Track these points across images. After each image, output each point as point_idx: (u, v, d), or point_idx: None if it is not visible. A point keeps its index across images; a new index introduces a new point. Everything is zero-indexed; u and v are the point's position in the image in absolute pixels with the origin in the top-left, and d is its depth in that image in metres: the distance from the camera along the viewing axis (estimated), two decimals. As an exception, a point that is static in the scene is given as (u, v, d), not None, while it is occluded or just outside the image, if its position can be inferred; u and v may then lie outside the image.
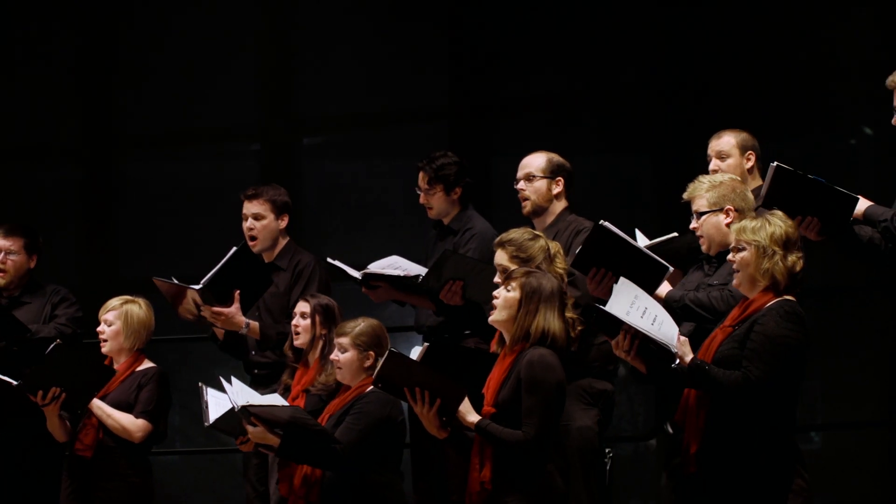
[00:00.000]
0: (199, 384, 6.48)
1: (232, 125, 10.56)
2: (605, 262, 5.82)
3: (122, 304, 6.92)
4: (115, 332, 6.89)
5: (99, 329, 6.90)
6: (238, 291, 6.88)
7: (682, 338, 5.31)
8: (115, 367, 6.88)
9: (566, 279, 5.96)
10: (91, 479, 6.74)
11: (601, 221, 5.85)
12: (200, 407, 6.44)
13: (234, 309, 6.91)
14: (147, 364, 6.93)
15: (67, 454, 6.81)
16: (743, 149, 6.58)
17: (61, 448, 6.85)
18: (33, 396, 6.60)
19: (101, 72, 10.62)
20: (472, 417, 5.40)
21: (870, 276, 8.14)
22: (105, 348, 6.90)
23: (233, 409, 6.17)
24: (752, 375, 5.18)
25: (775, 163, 5.69)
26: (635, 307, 5.31)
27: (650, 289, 5.74)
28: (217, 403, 6.39)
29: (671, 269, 5.78)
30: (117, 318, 6.89)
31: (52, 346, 6.58)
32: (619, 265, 5.77)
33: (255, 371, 7.12)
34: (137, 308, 6.92)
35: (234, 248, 6.89)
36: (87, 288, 7.56)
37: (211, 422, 6.37)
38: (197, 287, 6.85)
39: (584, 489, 6.32)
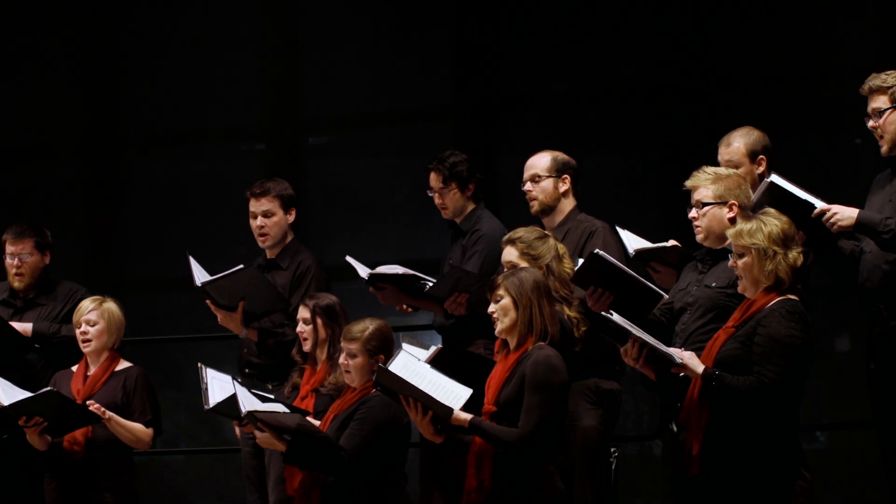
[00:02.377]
0: (199, 365, 6.45)
1: (237, 125, 10.56)
2: (602, 283, 5.89)
3: (99, 304, 6.93)
4: (99, 332, 6.90)
5: (82, 330, 6.90)
6: (243, 302, 6.89)
7: (687, 353, 5.34)
8: (93, 367, 6.90)
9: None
10: (82, 478, 6.75)
11: (596, 250, 5.93)
12: (200, 388, 6.42)
13: (233, 315, 6.91)
14: (124, 363, 6.94)
15: (52, 456, 6.81)
16: (753, 155, 6.31)
17: (39, 453, 6.85)
18: (16, 419, 6.63)
19: (106, 71, 10.63)
20: (465, 416, 5.44)
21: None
22: (89, 348, 6.90)
23: (234, 395, 6.17)
24: (767, 379, 5.18)
25: (769, 178, 5.69)
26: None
27: (644, 313, 5.80)
28: (218, 386, 6.37)
29: (665, 296, 5.84)
30: (100, 317, 6.90)
31: (45, 390, 6.62)
32: (616, 288, 5.86)
33: (246, 371, 7.12)
34: (114, 306, 6.95)
35: (241, 266, 6.87)
36: (93, 288, 7.54)
37: (211, 405, 6.36)
38: (197, 283, 6.86)
39: (589, 489, 6.33)
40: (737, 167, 6.26)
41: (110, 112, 10.67)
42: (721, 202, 5.83)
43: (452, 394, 5.52)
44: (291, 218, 7.21)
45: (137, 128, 10.64)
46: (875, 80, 5.87)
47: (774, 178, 5.68)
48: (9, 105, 10.54)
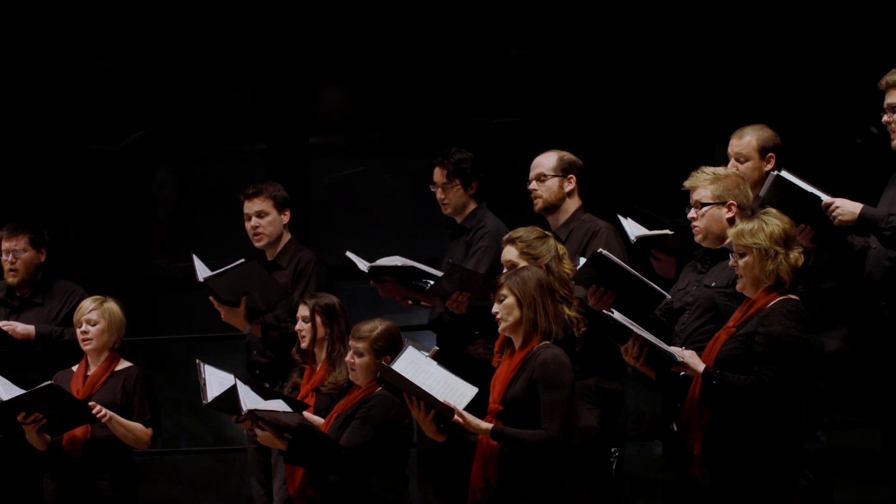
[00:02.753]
0: (197, 361, 6.47)
1: (237, 125, 10.57)
2: (604, 282, 5.90)
3: (100, 303, 6.94)
4: (100, 331, 6.91)
5: (83, 329, 6.90)
6: (245, 297, 6.89)
7: (688, 352, 5.34)
8: (93, 367, 6.90)
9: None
10: (82, 479, 6.76)
11: (599, 250, 5.94)
12: (198, 384, 6.43)
13: (236, 310, 6.90)
14: (124, 363, 6.94)
15: (51, 456, 6.81)
16: (763, 151, 6.34)
17: (39, 453, 6.85)
18: (15, 415, 6.63)
19: (106, 71, 10.63)
20: (485, 425, 5.42)
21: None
22: (89, 347, 6.90)
23: (233, 387, 6.18)
24: (768, 377, 5.19)
25: (775, 172, 5.70)
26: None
27: (646, 313, 5.80)
28: (216, 381, 6.38)
29: (667, 296, 5.84)
30: (101, 316, 6.91)
31: (45, 384, 6.63)
32: (618, 287, 5.87)
33: (257, 371, 7.12)
34: (115, 306, 6.96)
35: (243, 260, 6.88)
36: (94, 287, 7.55)
37: (209, 400, 6.37)
38: (199, 279, 6.87)
39: (588, 489, 6.33)
40: (746, 160, 6.32)
41: (111, 112, 10.67)
42: (720, 202, 5.83)
43: (457, 392, 5.52)
44: (286, 218, 7.23)
45: (138, 128, 10.64)
46: (893, 76, 5.88)
47: (781, 172, 5.69)
48: (10, 105, 10.55)
